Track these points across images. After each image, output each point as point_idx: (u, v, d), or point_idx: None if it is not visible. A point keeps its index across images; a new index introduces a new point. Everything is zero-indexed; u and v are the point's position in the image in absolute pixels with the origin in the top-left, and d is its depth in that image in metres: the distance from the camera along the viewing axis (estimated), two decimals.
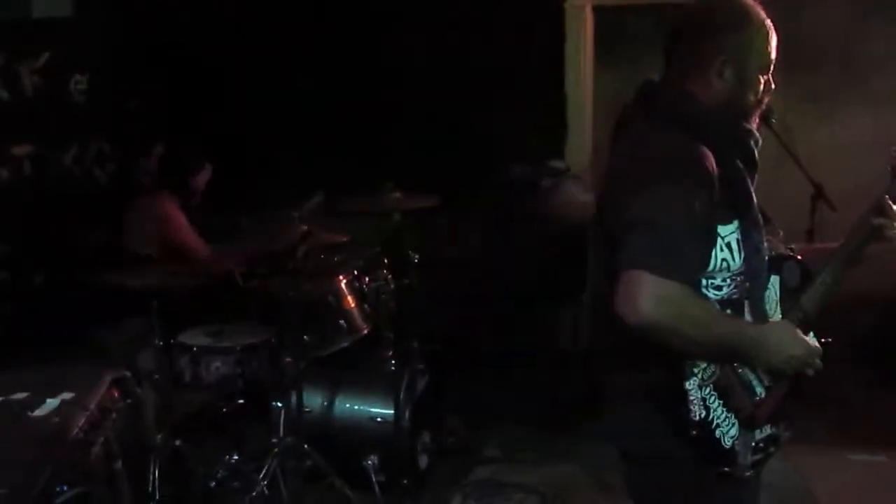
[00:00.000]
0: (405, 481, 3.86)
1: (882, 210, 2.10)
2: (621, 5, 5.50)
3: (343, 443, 3.92)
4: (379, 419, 3.94)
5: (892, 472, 3.87)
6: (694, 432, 1.95)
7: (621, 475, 2.18)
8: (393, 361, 4.05)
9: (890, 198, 2.13)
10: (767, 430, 2.05)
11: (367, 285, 4.06)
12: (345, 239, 4.03)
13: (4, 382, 2.56)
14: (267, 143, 5.37)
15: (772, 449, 2.07)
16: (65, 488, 2.13)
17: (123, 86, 5.13)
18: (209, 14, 5.42)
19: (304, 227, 3.76)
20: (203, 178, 4.52)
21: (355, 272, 4.06)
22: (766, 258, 2.05)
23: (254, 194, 4.58)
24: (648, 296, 1.81)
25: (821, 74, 5.27)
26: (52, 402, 2.42)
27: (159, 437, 3.52)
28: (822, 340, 2.04)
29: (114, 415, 2.55)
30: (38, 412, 2.39)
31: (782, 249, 2.17)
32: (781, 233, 2.22)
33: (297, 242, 3.75)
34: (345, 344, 3.95)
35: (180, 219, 4.39)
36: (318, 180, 4.21)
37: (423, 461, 4.06)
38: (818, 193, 4.13)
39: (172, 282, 3.70)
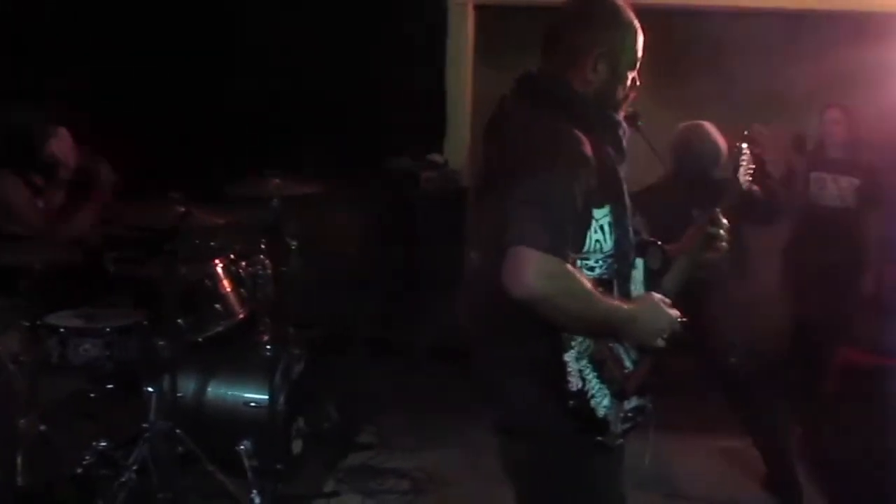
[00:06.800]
0: (279, 466, 3.85)
1: (714, 221, 2.34)
2: (503, 4, 5.64)
3: (217, 428, 3.88)
4: (253, 404, 3.91)
5: (749, 457, 4.11)
6: (572, 402, 2.05)
7: (497, 456, 2.25)
8: (269, 346, 4.01)
9: (728, 198, 2.39)
10: (634, 401, 2.17)
11: (244, 270, 4.02)
12: (223, 222, 3.97)
13: None
14: (154, 125, 5.24)
15: (639, 418, 2.20)
16: None
17: None
18: None
19: (182, 209, 3.70)
20: (59, 146, 4.20)
21: (232, 256, 4.02)
22: (634, 242, 2.19)
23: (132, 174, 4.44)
24: (535, 270, 1.91)
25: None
26: None
27: (23, 421, 3.40)
28: (680, 319, 2.18)
29: None
30: None
31: (646, 236, 2.32)
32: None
33: (175, 223, 3.68)
34: (220, 328, 3.91)
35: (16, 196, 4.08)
36: (200, 162, 4.15)
37: (298, 446, 4.05)
38: None
39: (41, 262, 3.58)
